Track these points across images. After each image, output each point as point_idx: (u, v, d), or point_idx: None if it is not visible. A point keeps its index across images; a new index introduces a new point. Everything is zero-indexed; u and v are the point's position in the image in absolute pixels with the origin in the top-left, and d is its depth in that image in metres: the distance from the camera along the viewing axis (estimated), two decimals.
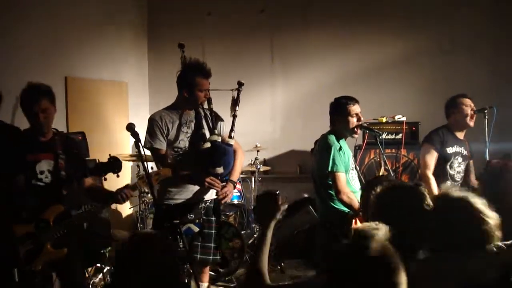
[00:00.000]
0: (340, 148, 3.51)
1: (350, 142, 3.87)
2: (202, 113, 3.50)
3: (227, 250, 4.67)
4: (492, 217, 1.90)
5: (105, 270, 4.40)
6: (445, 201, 1.99)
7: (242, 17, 6.35)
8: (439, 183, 3.97)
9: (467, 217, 1.91)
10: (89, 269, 4.37)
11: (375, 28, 5.94)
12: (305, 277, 4.52)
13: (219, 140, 3.46)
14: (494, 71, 5.65)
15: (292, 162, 6.22)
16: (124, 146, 5.81)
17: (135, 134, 2.90)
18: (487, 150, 4.12)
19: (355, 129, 3.60)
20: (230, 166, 3.50)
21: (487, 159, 4.12)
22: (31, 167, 3.05)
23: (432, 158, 4.02)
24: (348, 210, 3.38)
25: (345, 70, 6.04)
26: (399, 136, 5.07)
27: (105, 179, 3.25)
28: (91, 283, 4.32)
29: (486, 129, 4.14)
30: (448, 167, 4.07)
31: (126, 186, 3.14)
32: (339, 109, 3.60)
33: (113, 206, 5.29)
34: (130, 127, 2.91)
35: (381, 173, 4.67)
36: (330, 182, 3.48)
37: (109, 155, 3.12)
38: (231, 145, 3.49)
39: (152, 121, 3.42)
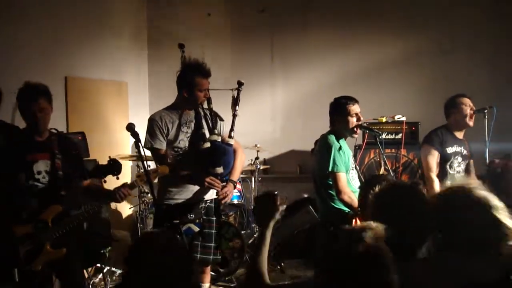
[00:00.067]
0: (340, 148, 3.51)
1: (350, 142, 3.87)
2: (202, 113, 3.50)
3: (227, 250, 4.67)
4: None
5: (105, 270, 4.41)
6: (463, 198, 1.93)
7: (242, 17, 6.36)
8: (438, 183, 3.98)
9: (486, 217, 1.85)
10: (89, 269, 4.38)
11: (375, 28, 5.94)
12: (305, 277, 4.52)
13: (219, 140, 3.46)
14: (494, 71, 5.66)
15: (292, 162, 6.22)
16: (124, 146, 5.81)
17: (135, 134, 2.90)
18: (487, 150, 4.12)
19: (355, 129, 3.60)
20: (230, 166, 3.50)
21: (487, 159, 4.12)
22: (28, 168, 3.05)
23: (434, 159, 4.02)
24: (349, 210, 3.38)
25: (345, 70, 6.04)
26: (399, 136, 5.07)
27: (105, 181, 3.25)
28: (91, 283, 4.33)
29: (486, 129, 4.14)
30: (448, 167, 4.07)
31: (124, 185, 3.14)
32: (339, 109, 3.61)
33: (113, 206, 5.30)
34: (130, 127, 2.91)
35: (381, 173, 4.67)
36: (331, 182, 3.48)
37: (109, 157, 3.12)
38: (231, 145, 3.49)
39: (152, 121, 3.42)
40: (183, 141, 3.43)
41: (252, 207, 2.99)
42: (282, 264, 4.98)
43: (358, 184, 3.62)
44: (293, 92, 6.30)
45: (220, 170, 3.41)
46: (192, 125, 3.47)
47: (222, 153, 3.41)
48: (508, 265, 1.81)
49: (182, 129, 3.43)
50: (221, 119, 3.57)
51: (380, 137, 3.79)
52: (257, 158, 5.62)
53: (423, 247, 2.00)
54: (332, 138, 3.55)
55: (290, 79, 6.31)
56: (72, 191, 3.13)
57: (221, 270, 4.72)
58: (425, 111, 5.36)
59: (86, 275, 4.20)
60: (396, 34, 5.93)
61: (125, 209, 5.70)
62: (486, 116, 4.14)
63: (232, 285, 4.68)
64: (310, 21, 6.19)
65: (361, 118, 3.62)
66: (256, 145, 5.62)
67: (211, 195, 3.51)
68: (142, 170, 3.29)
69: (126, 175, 5.73)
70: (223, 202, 3.49)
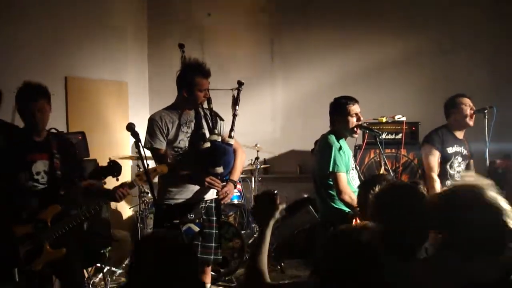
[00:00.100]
0: (341, 148, 3.51)
1: (350, 142, 3.87)
2: (202, 113, 3.50)
3: (227, 250, 4.67)
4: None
5: (105, 270, 4.41)
6: (473, 198, 1.88)
7: (242, 17, 6.36)
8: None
9: (494, 219, 1.82)
10: (89, 269, 4.38)
11: (375, 28, 5.94)
12: (305, 277, 4.52)
13: (219, 140, 3.46)
14: (494, 71, 5.66)
15: (292, 162, 6.23)
16: (124, 146, 5.81)
17: (135, 134, 2.90)
18: (487, 150, 4.12)
19: (355, 128, 3.60)
20: (230, 165, 3.50)
21: (487, 159, 4.12)
22: (27, 168, 3.04)
23: (435, 159, 4.02)
24: (349, 210, 3.38)
25: (345, 70, 6.05)
26: (399, 136, 5.07)
27: (105, 183, 3.25)
28: (91, 283, 4.33)
29: (486, 129, 4.14)
30: (448, 166, 4.07)
31: (123, 184, 3.13)
32: (339, 109, 3.60)
33: (113, 206, 5.30)
34: (130, 127, 2.91)
35: (380, 173, 4.67)
36: (331, 182, 3.48)
37: (109, 158, 3.12)
38: (231, 145, 3.49)
39: (152, 121, 3.42)
40: (183, 141, 3.43)
41: (251, 206, 2.96)
42: (282, 264, 4.98)
43: (358, 184, 3.62)
44: (293, 92, 6.30)
45: (220, 170, 3.41)
46: (192, 125, 3.47)
47: (222, 153, 3.41)
48: (508, 265, 1.81)
49: (182, 129, 3.43)
50: (221, 119, 3.57)
51: (380, 137, 3.79)
52: (257, 158, 5.62)
53: (423, 247, 2.00)
54: (332, 138, 3.55)
55: (290, 79, 6.31)
56: (71, 191, 3.13)
57: (221, 270, 4.72)
58: (425, 111, 5.36)
59: (86, 275, 4.20)
60: (396, 34, 5.94)
61: (125, 209, 5.70)
62: (486, 116, 4.14)
63: (232, 285, 4.68)
64: (310, 21, 6.19)
65: (361, 118, 3.62)
66: (256, 145, 5.62)
67: (211, 195, 3.51)
68: (141, 170, 3.29)
69: (126, 175, 5.72)
70: (223, 202, 3.49)
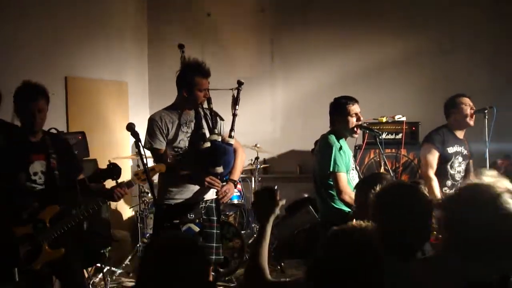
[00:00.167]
0: (341, 148, 3.51)
1: (350, 142, 3.87)
2: (202, 113, 3.49)
3: (227, 250, 4.67)
4: None
5: (105, 270, 4.41)
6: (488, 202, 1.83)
7: (242, 17, 6.36)
8: (439, 182, 3.98)
9: (505, 224, 1.78)
10: (89, 269, 4.38)
11: (375, 28, 5.94)
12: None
13: (219, 140, 3.46)
14: (494, 71, 5.66)
15: (292, 162, 6.23)
16: (124, 146, 5.81)
17: (135, 134, 2.90)
18: (487, 150, 4.12)
19: (355, 128, 3.60)
20: (230, 165, 3.50)
21: (487, 159, 4.12)
22: (25, 169, 3.04)
23: (434, 158, 4.02)
24: (349, 210, 3.38)
25: (345, 70, 6.04)
26: (399, 136, 5.07)
27: (104, 186, 3.24)
28: (91, 283, 4.33)
29: (486, 129, 4.14)
30: (448, 166, 4.07)
31: (121, 184, 3.13)
32: (339, 109, 3.60)
33: (113, 206, 5.30)
34: (130, 127, 2.91)
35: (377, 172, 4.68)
36: (331, 182, 3.48)
37: (109, 161, 3.11)
38: (231, 145, 3.49)
39: (152, 121, 3.42)
40: (183, 141, 3.43)
41: (252, 202, 2.92)
42: (282, 264, 4.98)
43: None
44: (293, 92, 6.30)
45: (220, 169, 3.41)
46: (192, 125, 3.47)
47: (222, 153, 3.41)
48: (508, 265, 1.81)
49: (182, 129, 3.43)
50: (221, 119, 3.57)
51: (380, 137, 3.79)
52: (257, 158, 5.62)
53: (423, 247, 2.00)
54: (332, 138, 3.55)
55: (290, 79, 6.31)
56: (70, 190, 3.12)
57: (221, 270, 4.72)
58: (425, 111, 5.36)
59: (86, 275, 4.20)
60: (396, 34, 5.93)
61: (125, 209, 5.70)
62: (486, 116, 4.14)
63: (232, 285, 4.68)
64: (310, 21, 6.19)
65: (361, 118, 3.62)
66: (256, 145, 5.62)
67: (211, 195, 3.51)
68: (138, 169, 3.29)
69: (126, 175, 5.72)
70: (223, 201, 3.49)
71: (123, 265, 4.82)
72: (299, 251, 5.03)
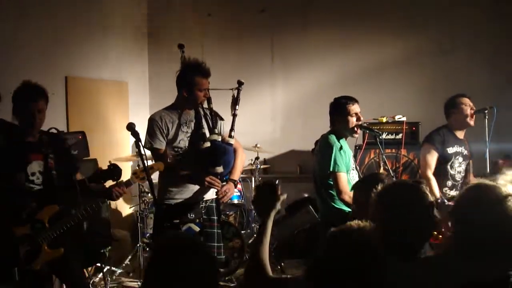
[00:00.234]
0: (341, 148, 3.51)
1: (350, 142, 3.87)
2: (202, 113, 3.49)
3: (227, 250, 4.67)
4: None
5: (105, 270, 4.41)
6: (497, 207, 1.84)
7: (242, 17, 6.35)
8: (439, 183, 3.99)
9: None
10: (89, 268, 4.38)
11: (375, 28, 5.94)
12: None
13: (219, 140, 3.46)
14: (494, 71, 5.65)
15: (292, 162, 6.22)
16: (124, 146, 5.81)
17: (135, 134, 2.90)
18: (487, 150, 4.12)
19: (355, 128, 3.60)
20: (230, 165, 3.50)
21: (488, 159, 4.12)
22: (23, 169, 3.03)
23: (432, 158, 4.02)
24: (350, 210, 3.38)
25: (345, 70, 6.04)
26: (399, 136, 5.07)
27: (104, 186, 3.24)
28: (91, 282, 4.33)
29: (486, 129, 4.14)
30: (448, 167, 4.07)
31: (120, 183, 3.13)
32: (339, 109, 3.61)
33: (113, 205, 5.30)
34: (131, 127, 2.91)
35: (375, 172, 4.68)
36: (331, 182, 3.48)
37: (109, 161, 3.11)
38: (231, 145, 3.49)
39: (152, 121, 3.42)
40: (183, 141, 3.43)
41: (252, 196, 2.89)
42: (282, 264, 4.98)
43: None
44: (293, 92, 6.30)
45: (220, 169, 3.41)
46: (192, 124, 3.47)
47: (222, 153, 3.41)
48: (508, 265, 1.81)
49: (182, 128, 3.43)
50: (221, 119, 3.57)
51: (380, 137, 3.79)
52: (257, 158, 5.62)
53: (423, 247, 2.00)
54: (333, 138, 3.55)
55: (290, 79, 6.31)
56: (67, 190, 3.11)
57: (221, 270, 4.71)
58: (425, 111, 5.36)
59: (86, 275, 4.20)
60: (396, 34, 5.93)
61: (125, 208, 5.70)
62: (486, 116, 4.15)
63: (232, 285, 4.68)
64: (310, 21, 6.19)
65: (361, 118, 3.62)
66: (256, 145, 5.62)
67: (211, 194, 3.51)
68: (137, 167, 3.29)
69: (126, 175, 5.72)
70: (223, 201, 3.49)
71: (123, 264, 4.82)
72: (299, 251, 5.02)
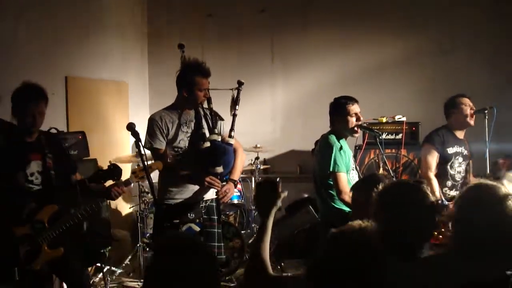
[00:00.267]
0: (341, 148, 3.51)
1: (350, 142, 3.87)
2: (202, 113, 3.50)
3: (227, 250, 4.67)
4: None
5: (105, 270, 4.41)
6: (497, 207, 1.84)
7: (242, 17, 6.35)
8: (439, 183, 3.99)
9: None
10: (89, 268, 4.38)
11: (375, 28, 5.94)
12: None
13: (219, 140, 3.46)
14: (494, 71, 5.65)
15: (292, 162, 6.22)
16: (124, 146, 5.81)
17: (135, 134, 2.90)
18: (487, 150, 4.12)
19: (355, 128, 3.60)
20: (230, 165, 3.50)
21: (488, 159, 4.12)
22: (22, 169, 3.03)
23: (433, 159, 4.03)
24: (349, 210, 3.38)
25: (345, 70, 6.04)
26: (399, 136, 5.06)
27: (104, 186, 3.24)
28: (91, 282, 4.32)
29: (486, 129, 4.14)
30: (448, 167, 4.07)
31: (119, 182, 3.13)
32: (339, 109, 3.61)
33: (113, 205, 5.30)
34: (131, 127, 2.91)
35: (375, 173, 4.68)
36: (331, 182, 3.48)
37: (109, 162, 3.12)
38: (231, 145, 3.49)
39: (152, 121, 3.42)
40: (183, 141, 3.43)
41: (253, 194, 2.87)
42: (282, 264, 4.98)
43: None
44: (293, 92, 6.30)
45: (220, 169, 3.41)
46: (192, 124, 3.47)
47: (222, 153, 3.41)
48: (508, 265, 1.81)
49: (182, 128, 3.43)
50: (221, 119, 3.57)
51: (380, 137, 3.79)
52: (257, 158, 5.62)
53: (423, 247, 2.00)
54: (333, 138, 3.55)
55: (290, 79, 6.31)
56: (66, 190, 3.12)
57: (221, 269, 4.71)
58: (425, 111, 5.36)
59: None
60: (396, 34, 5.93)
61: (125, 208, 5.70)
62: (486, 116, 4.15)
63: (232, 285, 4.68)
64: (310, 21, 6.18)
65: (361, 118, 3.62)
66: (256, 145, 5.62)
67: (211, 194, 3.51)
68: (136, 167, 3.30)
69: (127, 175, 5.72)
70: (222, 201, 3.49)
71: (123, 264, 4.82)
72: (299, 251, 5.02)
